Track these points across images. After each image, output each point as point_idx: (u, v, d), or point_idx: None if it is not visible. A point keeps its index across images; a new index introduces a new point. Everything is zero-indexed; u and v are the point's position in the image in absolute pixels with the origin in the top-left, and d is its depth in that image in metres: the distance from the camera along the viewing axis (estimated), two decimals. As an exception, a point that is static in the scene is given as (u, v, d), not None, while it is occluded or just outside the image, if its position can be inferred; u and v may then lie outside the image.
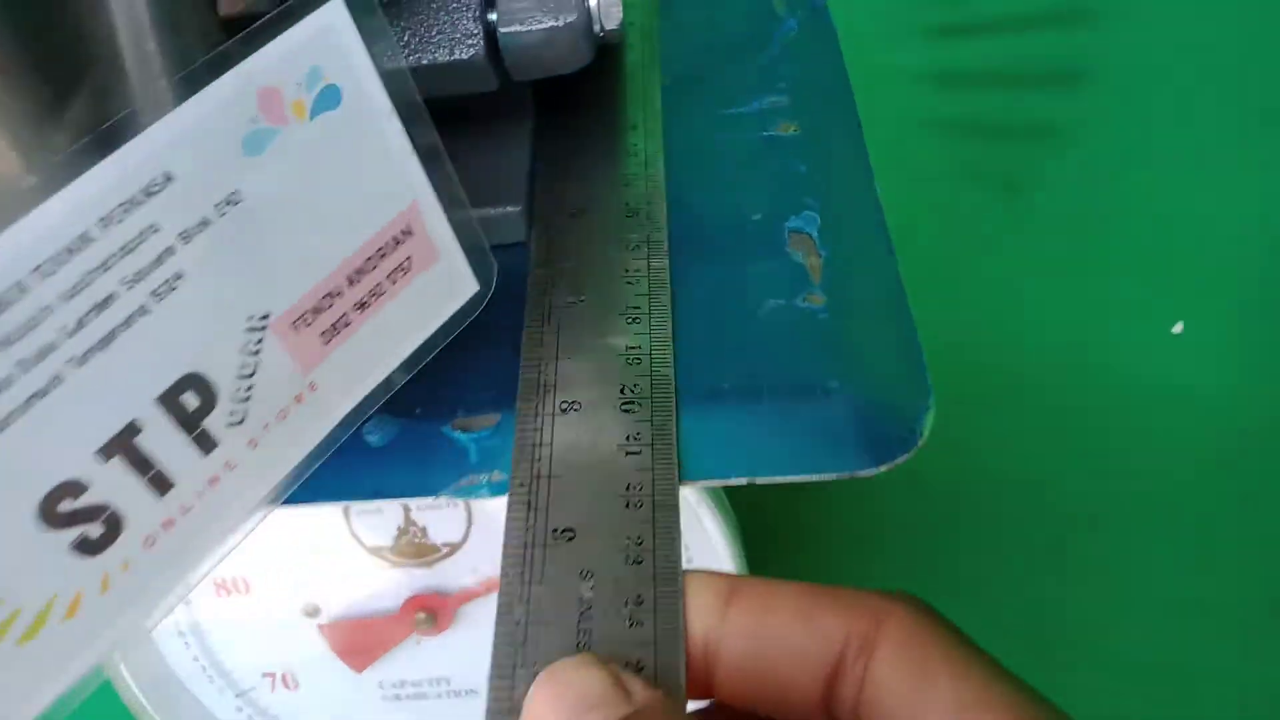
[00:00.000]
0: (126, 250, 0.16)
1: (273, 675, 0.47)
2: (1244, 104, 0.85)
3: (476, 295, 0.23)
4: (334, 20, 0.18)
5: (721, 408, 0.26)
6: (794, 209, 0.30)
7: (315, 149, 0.19)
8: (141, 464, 0.18)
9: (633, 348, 0.26)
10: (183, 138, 0.17)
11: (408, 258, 0.21)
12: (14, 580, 0.16)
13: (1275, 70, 0.87)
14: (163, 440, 0.18)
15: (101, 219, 0.16)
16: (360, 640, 0.46)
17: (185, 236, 0.17)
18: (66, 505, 0.17)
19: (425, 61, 0.25)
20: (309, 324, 0.20)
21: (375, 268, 0.21)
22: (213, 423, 0.19)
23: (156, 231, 0.17)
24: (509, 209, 0.30)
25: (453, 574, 0.44)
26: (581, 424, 0.25)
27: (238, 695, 0.48)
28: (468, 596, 0.45)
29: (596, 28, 0.26)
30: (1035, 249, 0.80)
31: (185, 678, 0.46)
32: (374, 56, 0.19)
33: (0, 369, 0.15)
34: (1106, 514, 0.69)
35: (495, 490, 0.25)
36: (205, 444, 0.19)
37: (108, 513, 0.17)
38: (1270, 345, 0.77)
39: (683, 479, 0.24)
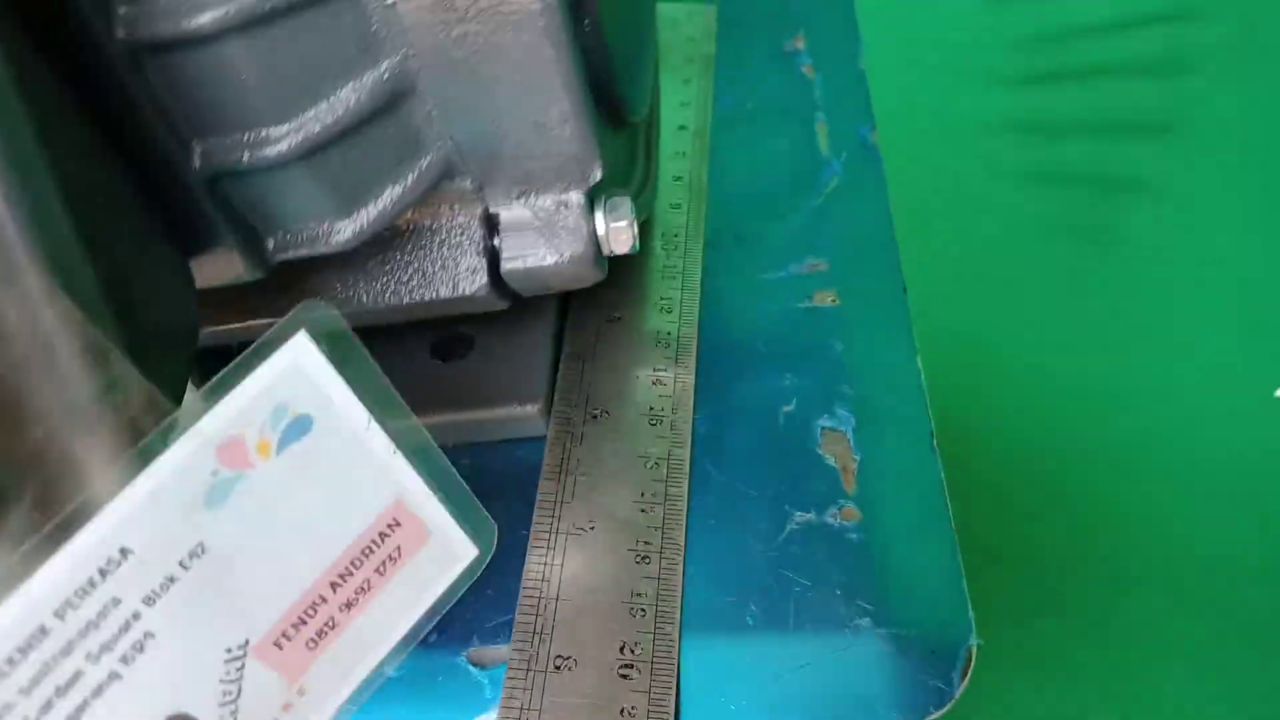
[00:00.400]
0: (88, 629, 0.16)
1: None
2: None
3: (475, 560, 0.23)
4: (298, 355, 0.18)
5: (734, 644, 0.25)
6: (829, 401, 0.29)
7: (285, 481, 0.18)
8: None
9: (639, 595, 0.25)
10: (138, 512, 0.16)
11: (396, 547, 0.21)
12: None
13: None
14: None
15: (56, 610, 0.16)
16: None
17: (150, 600, 0.17)
18: None
19: (429, 298, 0.24)
20: (291, 639, 0.19)
21: (361, 566, 0.20)
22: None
23: (119, 604, 0.16)
24: (528, 408, 0.29)
25: None
26: (574, 681, 0.24)
27: None
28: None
29: (606, 251, 0.25)
30: (1123, 305, 0.75)
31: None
32: (346, 375, 0.18)
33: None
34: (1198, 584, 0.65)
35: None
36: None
37: None
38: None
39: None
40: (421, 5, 0.18)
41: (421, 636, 0.22)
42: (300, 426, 0.18)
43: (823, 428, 0.28)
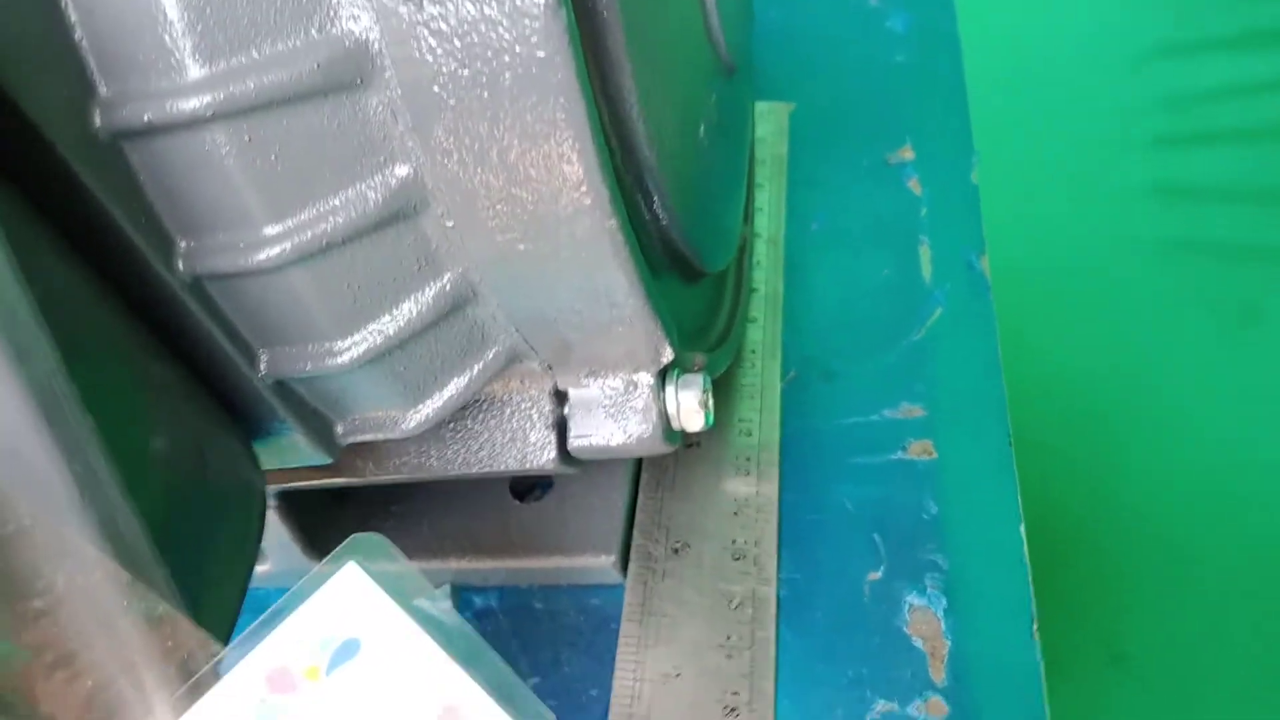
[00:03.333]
0: None
1: None
2: None
3: (533, 754, 0.22)
4: (348, 585, 0.18)
5: None
6: (918, 573, 0.27)
7: (334, 702, 0.18)
8: None
9: None
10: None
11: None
12: None
13: None
14: None
15: None
16: None
17: None
18: None
19: (498, 469, 0.24)
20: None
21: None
22: None
23: None
24: (603, 558, 0.29)
25: None
26: None
27: None
28: None
29: (677, 428, 0.24)
30: (1272, 385, 0.68)
31: None
32: (396, 596, 0.18)
33: None
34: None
35: None
36: None
37: None
38: None
39: None
40: (479, 228, 0.18)
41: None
42: (348, 649, 0.18)
43: (911, 604, 0.27)
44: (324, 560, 0.18)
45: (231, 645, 0.17)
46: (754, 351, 0.33)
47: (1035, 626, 0.26)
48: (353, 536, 0.18)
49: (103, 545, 0.15)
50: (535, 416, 0.24)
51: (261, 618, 0.17)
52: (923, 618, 0.26)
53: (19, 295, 0.14)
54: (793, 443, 0.31)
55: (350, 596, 0.18)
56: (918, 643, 0.26)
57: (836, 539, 0.28)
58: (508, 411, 0.24)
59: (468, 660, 0.20)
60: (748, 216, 0.36)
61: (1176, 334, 0.72)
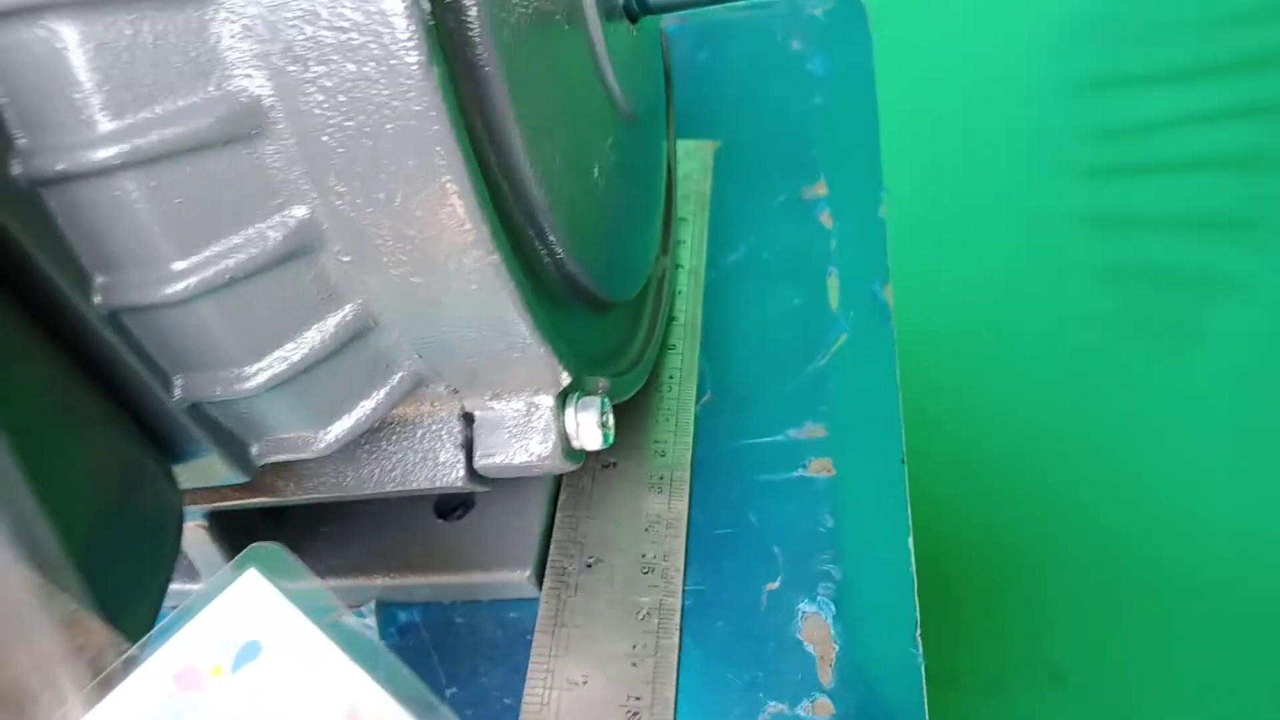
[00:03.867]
0: None
1: None
2: None
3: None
4: (248, 588, 0.19)
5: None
6: (812, 583, 0.29)
7: (238, 700, 0.20)
8: None
9: None
10: None
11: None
12: None
13: None
14: None
15: None
16: None
17: None
18: None
19: (411, 487, 0.26)
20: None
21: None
22: None
23: None
24: (519, 574, 0.30)
25: None
26: None
27: None
28: None
29: (577, 446, 0.26)
30: (1204, 407, 0.71)
31: None
32: (296, 601, 0.20)
33: None
34: None
35: None
36: None
37: None
38: None
39: None
40: (374, 263, 0.20)
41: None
42: (250, 651, 0.20)
43: (804, 612, 0.28)
44: (225, 567, 0.19)
45: (137, 645, 0.19)
46: (672, 376, 0.35)
47: (918, 633, 0.28)
48: (251, 546, 0.19)
49: (16, 550, 0.16)
50: (445, 437, 0.26)
51: (165, 620, 0.19)
52: (814, 624, 0.28)
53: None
54: (704, 462, 0.33)
55: (251, 601, 0.20)
56: (809, 647, 0.28)
57: (740, 552, 0.30)
58: (419, 433, 0.26)
59: (368, 664, 0.22)
60: (667, 249, 0.38)
61: (1109, 355, 0.75)
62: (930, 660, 0.27)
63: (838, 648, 0.27)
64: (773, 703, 0.27)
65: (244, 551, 0.19)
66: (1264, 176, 0.76)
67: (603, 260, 0.27)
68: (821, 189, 0.40)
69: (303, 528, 0.33)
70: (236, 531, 0.31)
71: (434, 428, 0.26)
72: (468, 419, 0.26)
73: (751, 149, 0.43)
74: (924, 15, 0.87)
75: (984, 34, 0.91)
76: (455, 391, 0.25)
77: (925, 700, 0.26)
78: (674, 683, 0.28)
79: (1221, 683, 0.64)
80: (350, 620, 0.21)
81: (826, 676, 0.27)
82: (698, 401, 0.34)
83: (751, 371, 0.35)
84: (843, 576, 0.29)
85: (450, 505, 0.32)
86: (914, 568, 0.29)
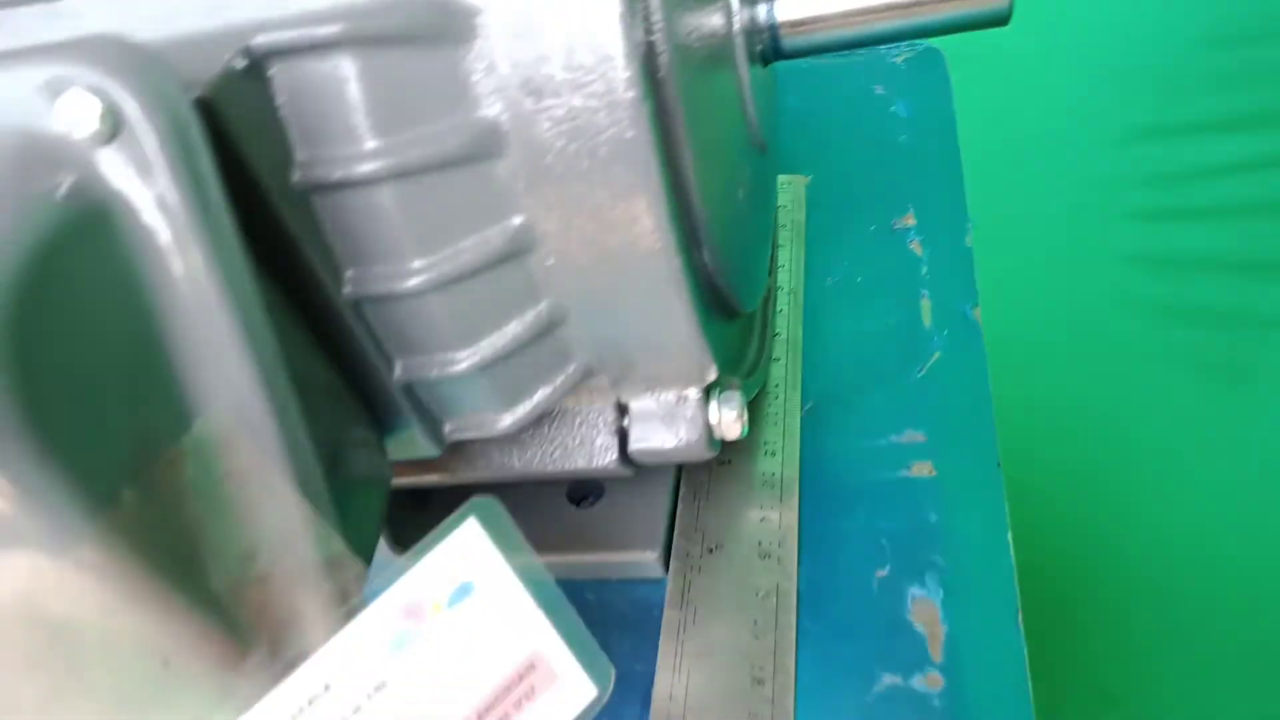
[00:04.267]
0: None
1: None
2: None
3: (595, 699, 0.27)
4: (469, 537, 0.23)
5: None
6: (920, 570, 0.31)
7: (450, 633, 0.23)
8: None
9: (754, 716, 0.28)
10: (339, 657, 0.21)
11: (530, 687, 0.25)
12: None
13: None
14: None
15: None
16: None
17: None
18: None
19: (568, 468, 0.29)
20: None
21: (502, 702, 0.25)
22: None
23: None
24: (648, 554, 0.33)
25: None
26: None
27: None
28: None
29: (718, 437, 0.29)
30: (1260, 446, 0.73)
31: None
32: (504, 553, 0.23)
33: None
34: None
35: None
36: None
37: None
38: None
39: None
40: (572, 266, 0.23)
41: (547, 765, 0.26)
42: (464, 590, 0.23)
43: (914, 596, 0.31)
44: (451, 515, 0.22)
45: (376, 579, 0.22)
46: (777, 385, 0.38)
47: (1019, 617, 0.30)
48: (472, 499, 0.23)
49: (298, 490, 0.20)
50: (601, 425, 0.29)
51: (405, 555, 0.22)
52: (923, 607, 0.31)
53: (253, 294, 0.20)
54: (811, 463, 0.36)
55: (469, 547, 0.23)
56: (919, 627, 0.30)
57: (850, 543, 0.33)
58: (578, 420, 0.29)
59: (551, 610, 0.25)
60: (772, 270, 0.41)
61: (1162, 389, 0.76)
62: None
63: (946, 629, 0.30)
64: (887, 675, 0.29)
65: (466, 504, 0.23)
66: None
67: (740, 271, 0.30)
68: (910, 220, 0.43)
69: (444, 510, 0.36)
70: (390, 511, 0.34)
71: (592, 416, 0.29)
72: (621, 410, 0.29)
73: (841, 183, 0.46)
74: (990, 67, 0.90)
75: (1045, 81, 0.94)
76: (614, 384, 0.28)
77: (1029, 679, 0.29)
78: (794, 655, 0.30)
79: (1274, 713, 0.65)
80: (542, 572, 0.24)
81: (937, 653, 0.30)
82: (802, 409, 0.37)
83: (852, 382, 0.38)
84: (948, 565, 0.31)
85: (582, 493, 0.35)
86: (1014, 558, 0.31)
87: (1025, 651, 0.29)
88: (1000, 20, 0.29)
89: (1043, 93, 0.90)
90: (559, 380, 0.27)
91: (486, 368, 0.25)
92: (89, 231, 0.18)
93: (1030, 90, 0.91)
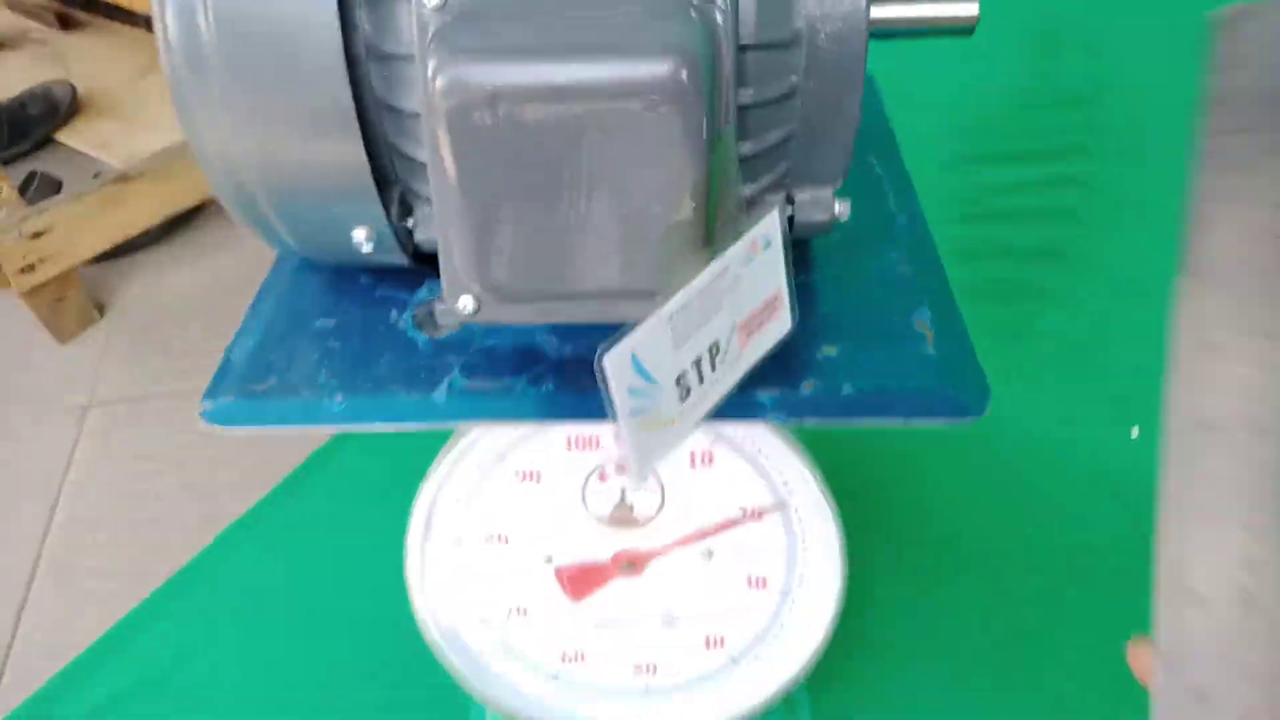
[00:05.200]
0: (713, 300, 0.47)
1: (512, 608, 0.72)
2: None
3: (788, 332, 0.54)
4: (775, 218, 0.50)
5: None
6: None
7: (758, 264, 0.50)
8: (700, 374, 0.48)
9: None
10: (733, 259, 0.48)
11: (771, 312, 0.52)
12: (668, 406, 0.47)
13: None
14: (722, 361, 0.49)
15: (704, 291, 0.47)
16: (581, 579, 0.69)
17: (726, 289, 0.48)
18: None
19: (761, 229, 0.57)
20: (743, 331, 0.51)
21: (759, 315, 0.52)
22: (714, 362, 0.49)
23: (724, 286, 0.48)
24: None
25: (648, 538, 0.67)
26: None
27: (480, 622, 0.70)
28: (656, 554, 0.69)
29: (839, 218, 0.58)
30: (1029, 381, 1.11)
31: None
32: (781, 232, 0.51)
33: (696, 332, 0.46)
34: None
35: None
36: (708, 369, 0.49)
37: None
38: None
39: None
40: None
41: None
42: (765, 243, 0.50)
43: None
44: (764, 212, 0.49)
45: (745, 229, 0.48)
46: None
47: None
48: (774, 206, 0.50)
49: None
50: (779, 206, 0.57)
51: (758, 222, 0.49)
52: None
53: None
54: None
55: (773, 223, 0.50)
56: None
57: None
58: (765, 204, 0.57)
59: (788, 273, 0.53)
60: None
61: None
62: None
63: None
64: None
65: (775, 206, 0.50)
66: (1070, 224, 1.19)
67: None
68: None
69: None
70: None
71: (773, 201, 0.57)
72: (789, 200, 0.57)
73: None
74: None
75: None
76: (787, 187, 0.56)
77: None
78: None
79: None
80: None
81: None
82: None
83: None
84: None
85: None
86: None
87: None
88: (967, 31, 0.60)
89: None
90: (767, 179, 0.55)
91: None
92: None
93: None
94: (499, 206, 0.42)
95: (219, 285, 1.58)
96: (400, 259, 0.56)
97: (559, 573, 0.70)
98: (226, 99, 0.47)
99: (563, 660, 0.70)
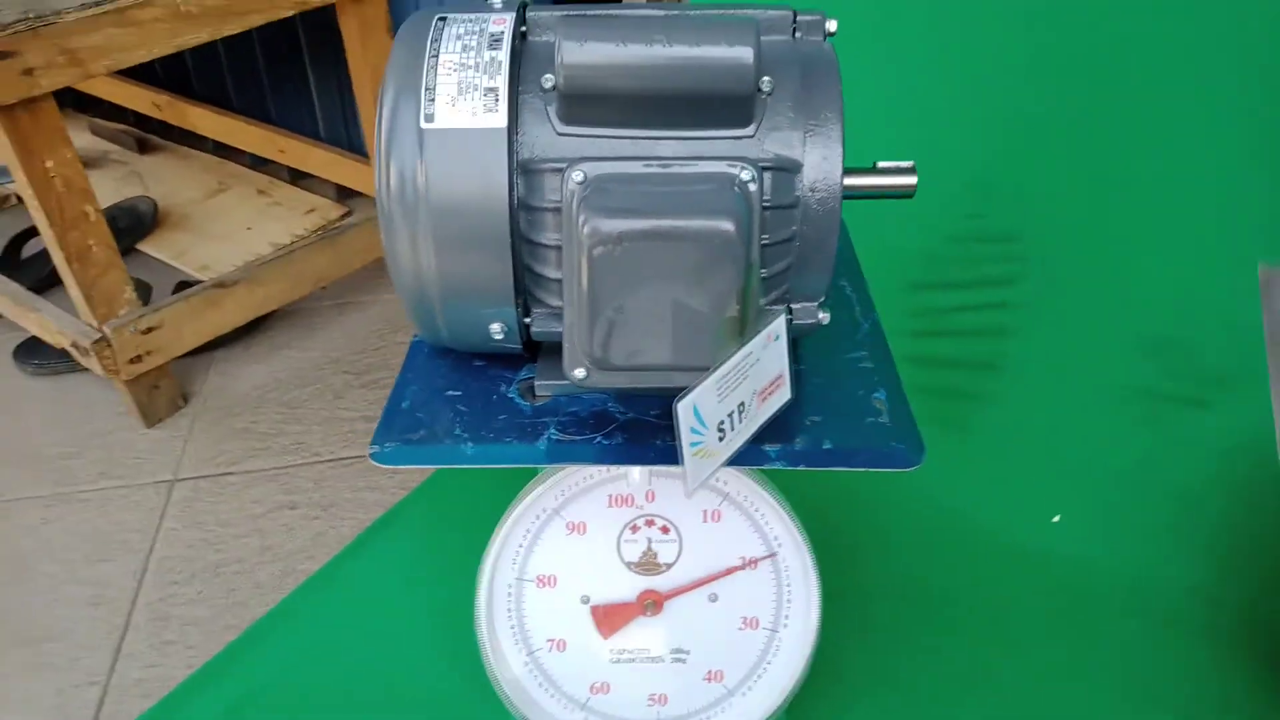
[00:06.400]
0: (742, 373, 0.70)
1: (553, 640, 0.85)
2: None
3: (787, 401, 0.76)
4: (780, 322, 0.73)
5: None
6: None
7: (770, 351, 0.73)
8: (732, 424, 0.70)
9: None
10: (755, 346, 0.71)
11: (775, 386, 0.75)
12: (711, 443, 0.69)
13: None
14: (745, 416, 0.71)
15: (736, 366, 0.70)
16: (611, 616, 0.83)
17: (750, 366, 0.71)
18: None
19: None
20: (759, 397, 0.73)
21: (767, 387, 0.74)
22: (741, 417, 0.71)
23: (749, 365, 0.70)
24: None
25: (668, 580, 0.82)
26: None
27: (528, 654, 0.84)
28: (675, 594, 0.83)
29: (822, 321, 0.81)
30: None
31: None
32: (788, 334, 0.74)
33: (731, 394, 0.69)
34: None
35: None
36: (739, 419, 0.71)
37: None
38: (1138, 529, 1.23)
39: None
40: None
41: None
42: (776, 335, 0.73)
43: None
44: (774, 321, 0.72)
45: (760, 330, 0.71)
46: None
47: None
48: (782, 311, 0.73)
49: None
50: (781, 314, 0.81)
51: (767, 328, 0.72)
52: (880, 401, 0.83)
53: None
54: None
55: (778, 326, 0.73)
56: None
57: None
58: (772, 315, 0.81)
59: (790, 360, 0.76)
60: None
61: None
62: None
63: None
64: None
65: (780, 313, 0.73)
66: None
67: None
68: (851, 282, 0.99)
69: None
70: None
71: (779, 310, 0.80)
72: (789, 309, 0.80)
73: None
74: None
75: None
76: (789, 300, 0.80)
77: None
78: (838, 408, 0.82)
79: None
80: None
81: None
82: (821, 343, 0.90)
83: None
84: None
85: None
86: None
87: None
88: (909, 195, 0.85)
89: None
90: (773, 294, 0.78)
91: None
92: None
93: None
94: (612, 307, 0.66)
95: (287, 379, 1.80)
96: (517, 346, 0.79)
97: (594, 610, 0.84)
98: (425, 232, 0.71)
99: (591, 691, 0.82)
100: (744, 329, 0.67)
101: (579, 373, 0.70)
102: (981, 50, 1.41)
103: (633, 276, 0.64)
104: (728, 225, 0.63)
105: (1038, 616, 1.16)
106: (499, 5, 0.75)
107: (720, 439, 0.69)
